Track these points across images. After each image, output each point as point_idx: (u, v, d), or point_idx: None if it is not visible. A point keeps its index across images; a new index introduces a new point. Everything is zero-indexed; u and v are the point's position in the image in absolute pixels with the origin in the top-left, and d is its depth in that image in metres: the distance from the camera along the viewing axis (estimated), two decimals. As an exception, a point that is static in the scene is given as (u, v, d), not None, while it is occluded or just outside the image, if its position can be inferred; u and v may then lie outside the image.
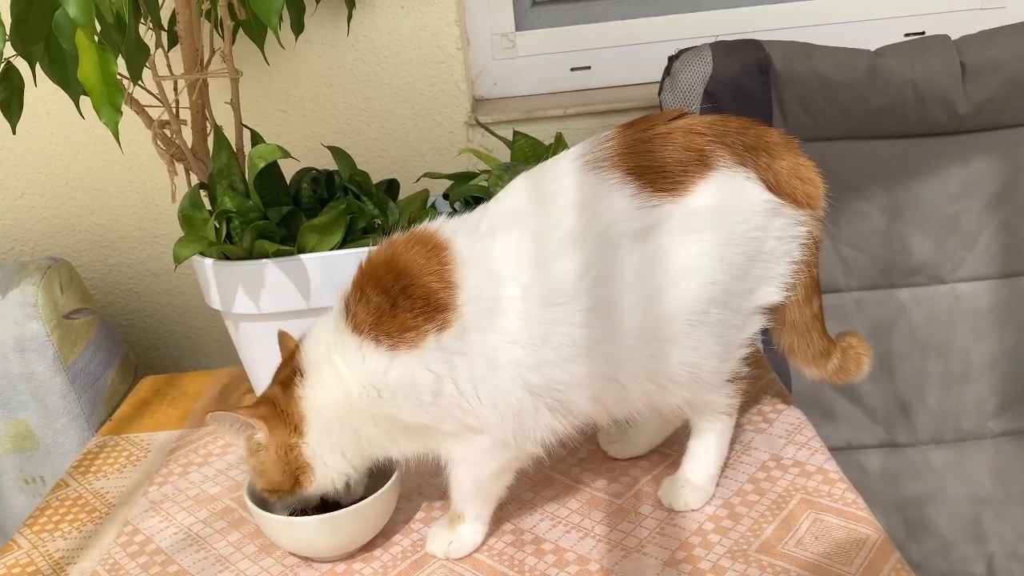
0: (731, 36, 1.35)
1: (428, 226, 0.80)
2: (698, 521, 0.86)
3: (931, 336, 1.37)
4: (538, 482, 0.94)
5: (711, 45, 1.31)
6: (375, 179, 1.11)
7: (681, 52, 1.33)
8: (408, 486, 0.95)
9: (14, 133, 1.02)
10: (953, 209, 1.35)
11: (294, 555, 0.87)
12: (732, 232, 0.77)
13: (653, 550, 0.82)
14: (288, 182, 1.08)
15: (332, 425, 0.79)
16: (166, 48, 1.12)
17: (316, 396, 0.79)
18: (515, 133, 1.13)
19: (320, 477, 0.81)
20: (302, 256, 0.97)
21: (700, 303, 0.77)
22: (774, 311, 0.85)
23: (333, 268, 0.96)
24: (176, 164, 1.08)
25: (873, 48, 1.33)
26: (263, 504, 0.84)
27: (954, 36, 1.33)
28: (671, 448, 0.97)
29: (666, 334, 0.78)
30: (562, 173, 0.79)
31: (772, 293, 0.82)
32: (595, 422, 0.84)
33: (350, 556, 0.86)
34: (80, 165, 1.46)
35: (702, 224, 0.76)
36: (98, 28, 0.82)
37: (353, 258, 0.87)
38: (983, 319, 1.37)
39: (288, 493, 0.82)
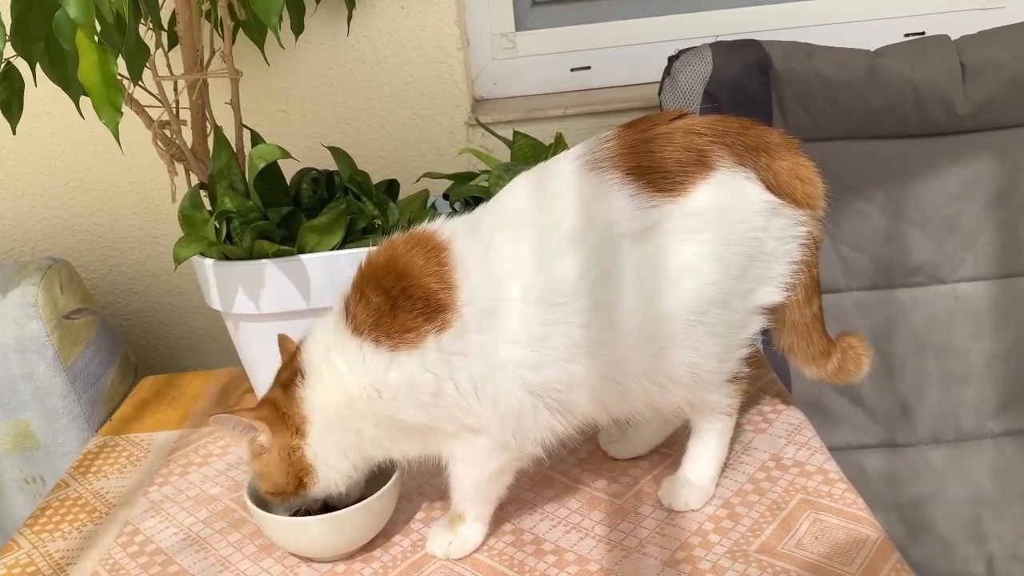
0: (731, 36, 1.35)
1: (428, 227, 0.81)
2: (698, 521, 0.86)
3: (931, 336, 1.37)
4: (538, 482, 0.94)
5: (711, 45, 1.31)
6: (375, 179, 1.11)
7: (681, 52, 1.33)
8: (408, 486, 0.95)
9: (14, 133, 1.02)
10: (953, 209, 1.35)
11: (294, 555, 0.87)
12: (732, 232, 0.77)
13: (653, 550, 0.82)
14: (288, 182, 1.08)
15: (333, 426, 0.79)
16: (166, 48, 1.12)
17: (317, 397, 0.79)
18: (515, 133, 1.13)
19: (323, 478, 0.81)
20: (302, 256, 0.97)
21: (700, 303, 0.77)
22: (774, 311, 0.85)
23: (333, 268, 0.96)
24: (176, 164, 1.08)
25: (873, 48, 1.33)
26: (263, 504, 0.84)
27: (954, 36, 1.33)
28: (671, 448, 0.97)
29: (666, 334, 0.78)
30: (562, 173, 0.79)
31: (772, 293, 0.82)
32: (595, 422, 0.84)
33: (350, 556, 0.86)
34: (80, 165, 1.47)
35: (702, 224, 0.76)
36: (98, 28, 0.82)
37: (353, 258, 0.87)
38: (983, 319, 1.37)
39: (292, 495, 0.82)
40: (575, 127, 1.44)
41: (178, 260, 0.95)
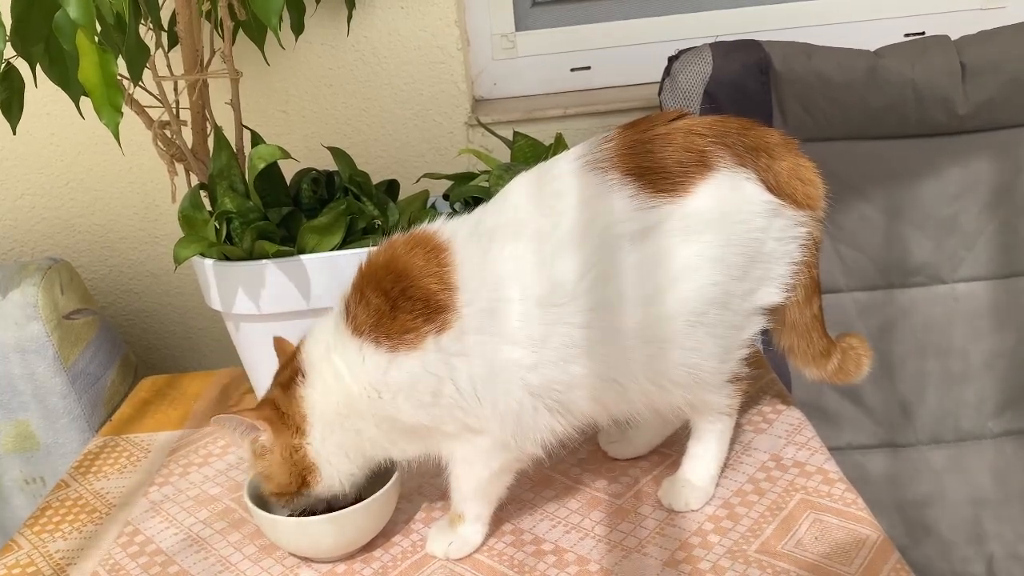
0: (731, 36, 1.35)
1: (428, 227, 0.81)
2: (698, 521, 0.86)
3: (931, 336, 1.37)
4: (538, 482, 0.94)
5: (711, 45, 1.31)
6: (375, 179, 1.11)
7: (681, 52, 1.33)
8: (408, 486, 0.96)
9: (14, 134, 1.02)
10: (952, 209, 1.35)
11: (294, 556, 0.87)
12: (732, 233, 0.77)
13: (653, 550, 0.82)
14: (288, 183, 1.09)
15: (334, 425, 0.79)
16: (166, 49, 1.12)
17: (317, 396, 0.79)
18: (515, 133, 1.13)
19: (327, 477, 0.81)
20: (302, 257, 0.97)
21: (700, 304, 0.77)
22: (774, 312, 0.84)
23: (333, 269, 0.96)
24: (176, 165, 1.08)
25: (873, 48, 1.33)
26: (263, 504, 0.84)
27: (954, 36, 1.33)
28: (671, 448, 0.97)
29: (666, 335, 0.78)
30: (562, 174, 0.79)
31: (772, 294, 0.82)
32: (595, 423, 0.84)
33: (350, 556, 0.86)
34: (80, 166, 1.47)
35: (702, 225, 0.76)
36: (98, 29, 0.82)
37: (353, 259, 0.87)
38: (982, 319, 1.37)
39: (296, 495, 0.82)
40: (575, 127, 1.44)
41: (178, 260, 0.96)
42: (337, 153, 1.09)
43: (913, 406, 1.38)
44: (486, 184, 1.04)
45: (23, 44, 0.91)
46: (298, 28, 1.21)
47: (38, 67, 0.95)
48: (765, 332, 0.87)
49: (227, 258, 0.99)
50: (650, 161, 0.77)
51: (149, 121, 1.04)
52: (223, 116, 1.09)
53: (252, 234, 0.97)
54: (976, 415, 1.38)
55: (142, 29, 1.01)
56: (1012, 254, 1.35)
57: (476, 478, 0.82)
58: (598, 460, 0.98)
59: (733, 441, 0.92)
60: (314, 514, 0.82)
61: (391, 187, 1.15)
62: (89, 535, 0.94)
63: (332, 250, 0.97)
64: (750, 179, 0.78)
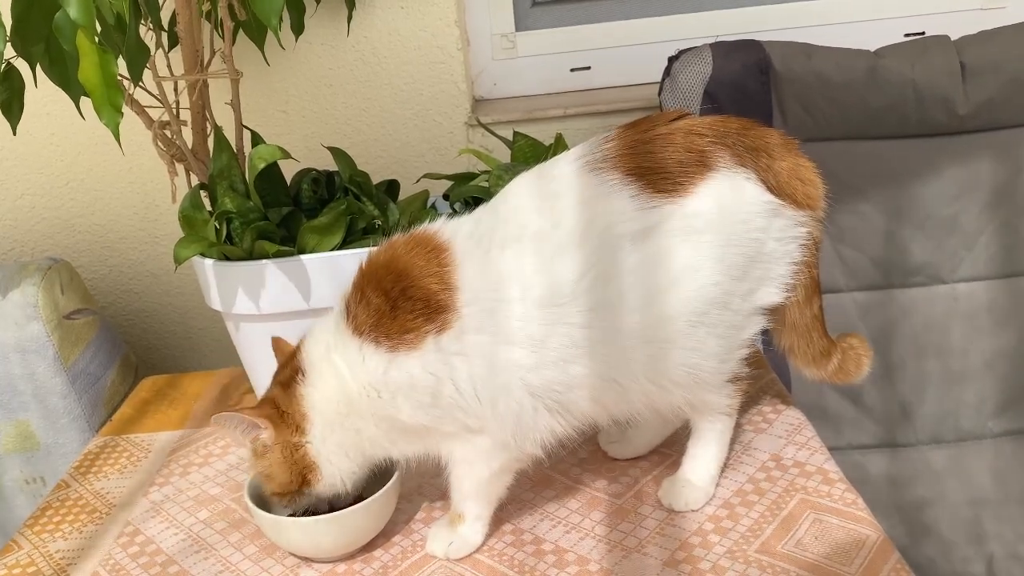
0: (732, 36, 1.35)
1: (428, 227, 0.81)
2: (698, 521, 0.86)
3: (931, 336, 1.37)
4: (538, 482, 0.94)
5: (711, 45, 1.31)
6: (375, 180, 1.11)
7: (681, 52, 1.33)
8: (408, 486, 0.96)
9: (15, 134, 1.02)
10: (952, 209, 1.35)
11: (294, 556, 0.87)
12: (732, 233, 0.77)
13: (653, 550, 0.82)
14: (288, 183, 1.09)
15: (334, 424, 0.79)
16: (166, 49, 1.12)
17: (317, 394, 0.79)
18: (515, 133, 1.13)
19: (327, 475, 0.81)
20: (302, 257, 0.97)
21: (700, 304, 0.77)
22: (774, 312, 0.85)
23: (333, 269, 0.96)
24: (176, 165, 1.08)
25: (873, 48, 1.33)
26: (264, 504, 0.84)
27: (954, 36, 1.33)
28: (671, 448, 0.97)
29: (666, 335, 0.78)
30: (562, 174, 0.79)
31: (772, 294, 0.82)
32: (595, 423, 0.84)
33: (350, 556, 0.86)
34: (81, 166, 1.47)
35: (702, 225, 0.76)
36: (98, 29, 0.82)
37: (353, 259, 0.87)
38: (982, 319, 1.37)
39: (297, 494, 0.82)
40: (575, 127, 1.44)
41: (178, 260, 0.96)
42: (337, 153, 1.09)
43: (913, 406, 1.38)
44: (486, 184, 1.04)
45: (23, 44, 0.91)
46: (298, 28, 1.21)
47: (38, 67, 0.95)
48: (765, 332, 0.87)
49: (227, 258, 0.99)
50: (650, 161, 0.77)
51: (149, 121, 1.04)
52: (223, 116, 1.09)
53: (252, 234, 0.97)
54: (976, 415, 1.38)
55: (142, 29, 1.01)
56: (1012, 254, 1.35)
57: (476, 478, 0.82)
58: (598, 460, 0.98)
59: (733, 441, 0.92)
60: (315, 514, 0.83)
61: (391, 187, 1.15)
62: (89, 535, 0.94)
63: (332, 250, 0.97)
64: (750, 179, 0.78)
